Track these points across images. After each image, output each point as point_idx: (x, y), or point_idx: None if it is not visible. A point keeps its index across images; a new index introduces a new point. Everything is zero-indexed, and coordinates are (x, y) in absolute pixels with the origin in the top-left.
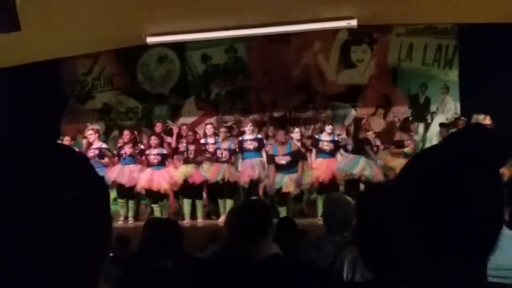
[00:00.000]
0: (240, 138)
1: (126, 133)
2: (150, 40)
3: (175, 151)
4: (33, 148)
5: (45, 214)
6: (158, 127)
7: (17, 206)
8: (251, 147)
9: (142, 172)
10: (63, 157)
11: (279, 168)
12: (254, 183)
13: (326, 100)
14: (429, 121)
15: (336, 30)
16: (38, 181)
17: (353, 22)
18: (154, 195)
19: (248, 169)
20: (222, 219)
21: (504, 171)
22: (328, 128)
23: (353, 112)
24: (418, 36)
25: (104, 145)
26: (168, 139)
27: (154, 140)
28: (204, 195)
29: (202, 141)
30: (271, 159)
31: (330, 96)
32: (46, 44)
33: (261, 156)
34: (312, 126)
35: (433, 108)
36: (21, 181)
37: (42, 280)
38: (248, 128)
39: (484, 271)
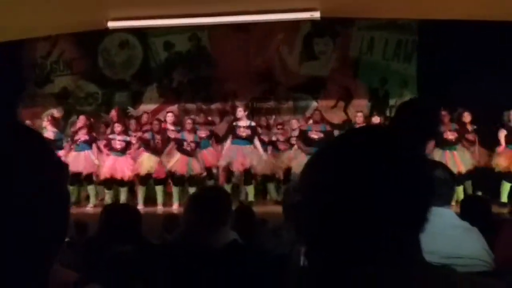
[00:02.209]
0: (234, 124)
1: (82, 118)
2: (112, 24)
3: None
4: None
5: (1, 194)
6: (113, 115)
7: None
8: (244, 134)
9: (100, 157)
10: (21, 136)
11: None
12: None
13: (288, 91)
14: (388, 114)
15: (300, 22)
16: None
17: (316, 14)
18: (115, 182)
19: (239, 157)
20: (175, 206)
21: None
22: None
23: (314, 104)
24: (379, 31)
25: (53, 131)
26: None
27: (118, 127)
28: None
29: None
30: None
31: (292, 87)
32: (4, 25)
33: (251, 144)
34: (273, 117)
35: (392, 102)
36: None
37: None
38: (240, 114)
39: (419, 252)
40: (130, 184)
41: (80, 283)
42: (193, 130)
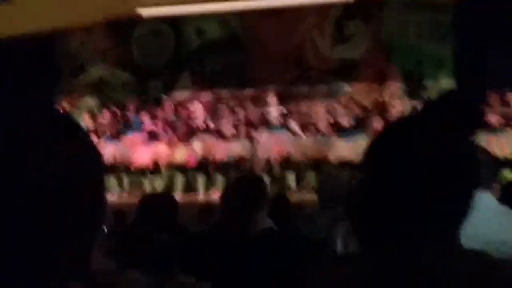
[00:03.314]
0: (263, 111)
1: (105, 112)
2: (144, 12)
3: (166, 128)
4: (26, 116)
5: (39, 182)
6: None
7: (10, 174)
8: (277, 122)
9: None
10: (58, 124)
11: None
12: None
13: (320, 75)
14: (423, 96)
15: (331, 5)
16: (31, 149)
17: None
18: (144, 171)
19: (275, 145)
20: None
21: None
22: None
23: (347, 88)
24: (413, 12)
25: None
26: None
27: (147, 117)
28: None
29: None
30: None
31: (324, 71)
32: (37, 16)
33: (286, 130)
34: (306, 102)
35: (427, 84)
36: (13, 149)
37: (35, 249)
38: (272, 101)
39: (458, 238)
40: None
41: (119, 271)
42: (230, 115)
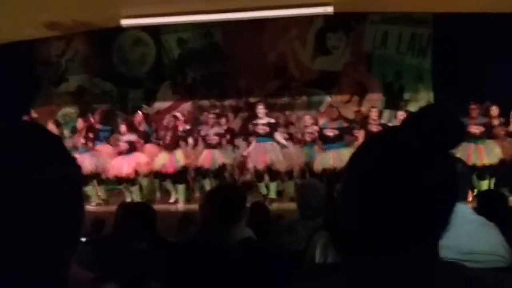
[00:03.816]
0: (254, 122)
1: (80, 121)
2: (125, 22)
3: (146, 136)
4: (3, 128)
5: (16, 194)
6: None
7: None
8: (262, 131)
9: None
10: (35, 136)
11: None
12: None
13: (302, 86)
14: (403, 108)
15: (312, 17)
16: (9, 161)
17: (329, 9)
18: (123, 181)
19: (260, 154)
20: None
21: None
22: None
23: (328, 99)
24: (393, 25)
25: None
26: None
27: (123, 127)
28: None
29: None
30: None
31: (306, 83)
32: (19, 24)
33: (273, 141)
34: (287, 113)
35: (406, 96)
36: None
37: (13, 259)
38: (260, 111)
39: (437, 249)
40: (133, 182)
41: (97, 282)
42: (215, 124)
